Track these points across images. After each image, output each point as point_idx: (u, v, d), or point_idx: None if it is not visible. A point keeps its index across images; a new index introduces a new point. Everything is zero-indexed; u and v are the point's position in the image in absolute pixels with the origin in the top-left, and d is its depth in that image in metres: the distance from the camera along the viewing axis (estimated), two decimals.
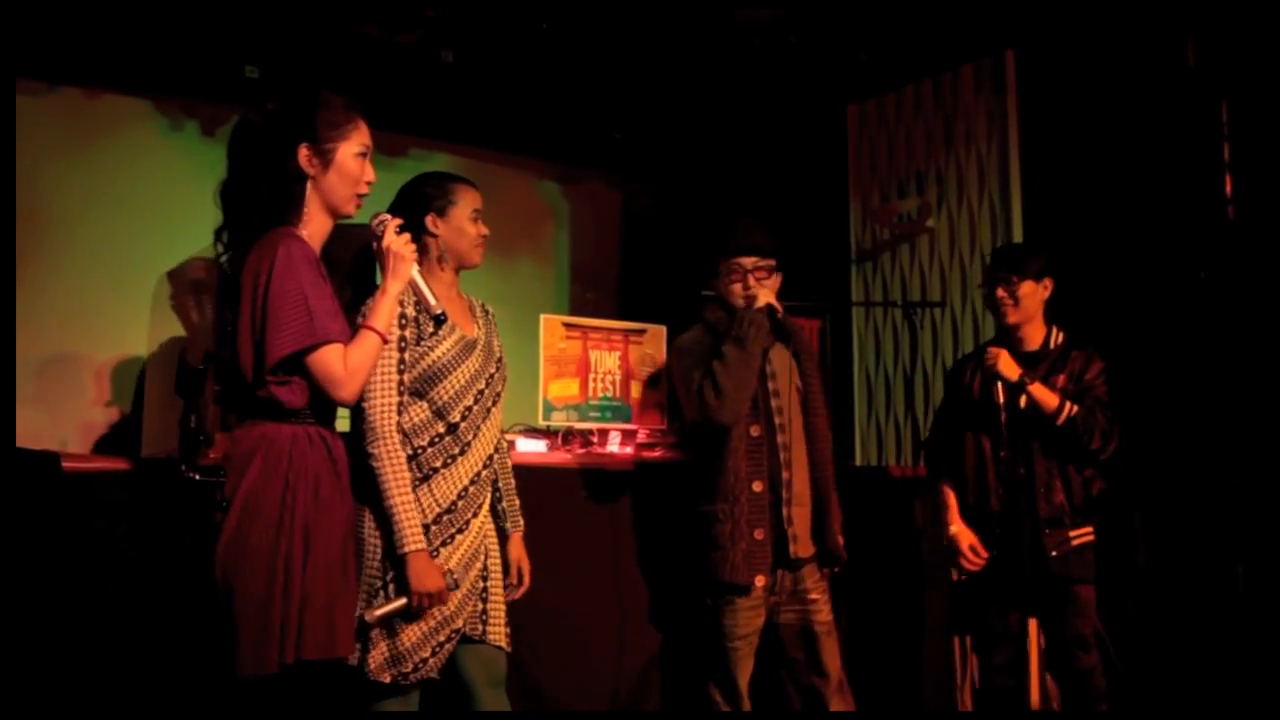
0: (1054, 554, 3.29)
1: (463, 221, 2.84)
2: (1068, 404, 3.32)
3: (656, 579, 3.56)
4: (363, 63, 4.30)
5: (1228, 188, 3.88)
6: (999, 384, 3.37)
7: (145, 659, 2.73)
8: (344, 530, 2.44)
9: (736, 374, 3.13)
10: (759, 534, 3.16)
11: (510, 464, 3.03)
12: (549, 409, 3.75)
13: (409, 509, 2.59)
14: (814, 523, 3.26)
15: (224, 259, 2.43)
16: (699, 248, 5.24)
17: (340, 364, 2.35)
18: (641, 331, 4.02)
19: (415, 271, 2.52)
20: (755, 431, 3.20)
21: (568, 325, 3.86)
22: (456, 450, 2.73)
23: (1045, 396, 3.33)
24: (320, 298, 2.35)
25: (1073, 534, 3.32)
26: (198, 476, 2.51)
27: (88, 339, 4.20)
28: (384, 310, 2.46)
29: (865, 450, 5.23)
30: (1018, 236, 4.50)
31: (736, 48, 4.58)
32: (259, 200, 2.40)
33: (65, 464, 2.80)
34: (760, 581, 3.17)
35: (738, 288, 3.25)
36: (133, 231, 4.28)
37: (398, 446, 2.62)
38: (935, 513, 3.60)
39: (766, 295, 3.22)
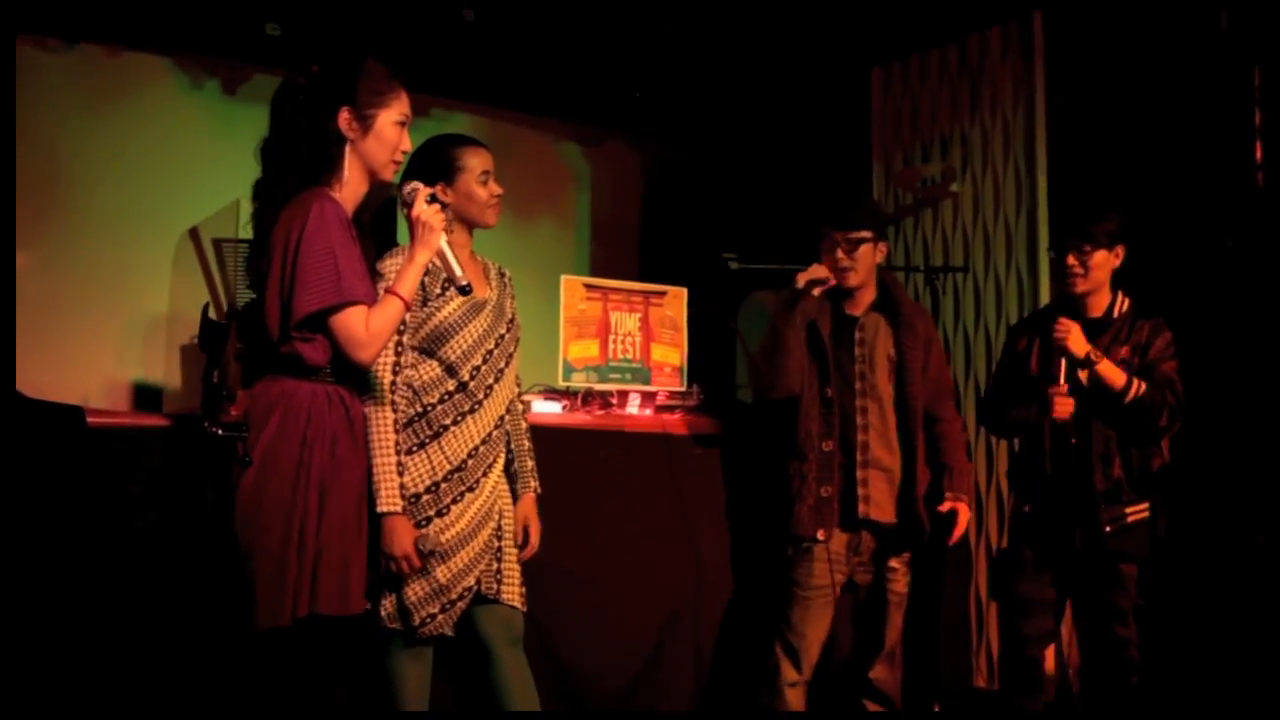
0: (1108, 529, 3.19)
1: (471, 186, 2.83)
2: (1135, 382, 3.18)
3: (712, 540, 3.65)
4: (384, 21, 4.27)
5: (1258, 154, 3.83)
6: (1062, 359, 3.20)
7: (165, 610, 2.76)
8: (359, 489, 2.47)
9: (769, 352, 3.33)
10: (826, 491, 3.30)
11: (525, 425, 3.02)
12: (569, 370, 3.75)
13: (389, 471, 2.60)
14: (901, 491, 3.35)
15: (255, 214, 2.44)
16: (720, 210, 5.27)
17: (363, 326, 2.37)
18: (662, 293, 4.01)
19: (444, 242, 2.52)
20: (829, 393, 3.33)
21: (588, 286, 3.86)
22: (467, 407, 2.74)
23: (1113, 375, 3.18)
24: (349, 259, 2.37)
25: (1129, 510, 3.21)
26: (220, 432, 2.54)
27: (109, 297, 4.21)
28: (410, 278, 2.47)
29: None
30: (1043, 203, 4.44)
31: (759, 8, 4.52)
32: (298, 160, 2.41)
33: (90, 419, 2.82)
34: (822, 535, 3.27)
35: (827, 259, 3.37)
36: (154, 189, 4.28)
37: (389, 408, 2.63)
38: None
39: (807, 273, 3.31)
